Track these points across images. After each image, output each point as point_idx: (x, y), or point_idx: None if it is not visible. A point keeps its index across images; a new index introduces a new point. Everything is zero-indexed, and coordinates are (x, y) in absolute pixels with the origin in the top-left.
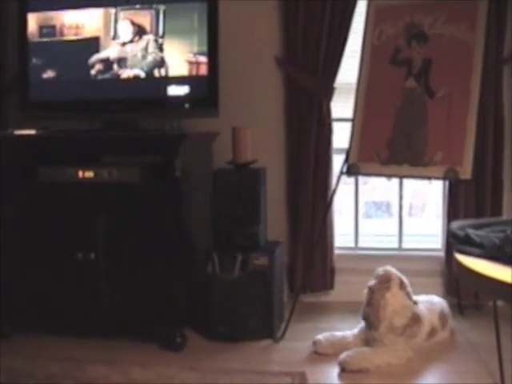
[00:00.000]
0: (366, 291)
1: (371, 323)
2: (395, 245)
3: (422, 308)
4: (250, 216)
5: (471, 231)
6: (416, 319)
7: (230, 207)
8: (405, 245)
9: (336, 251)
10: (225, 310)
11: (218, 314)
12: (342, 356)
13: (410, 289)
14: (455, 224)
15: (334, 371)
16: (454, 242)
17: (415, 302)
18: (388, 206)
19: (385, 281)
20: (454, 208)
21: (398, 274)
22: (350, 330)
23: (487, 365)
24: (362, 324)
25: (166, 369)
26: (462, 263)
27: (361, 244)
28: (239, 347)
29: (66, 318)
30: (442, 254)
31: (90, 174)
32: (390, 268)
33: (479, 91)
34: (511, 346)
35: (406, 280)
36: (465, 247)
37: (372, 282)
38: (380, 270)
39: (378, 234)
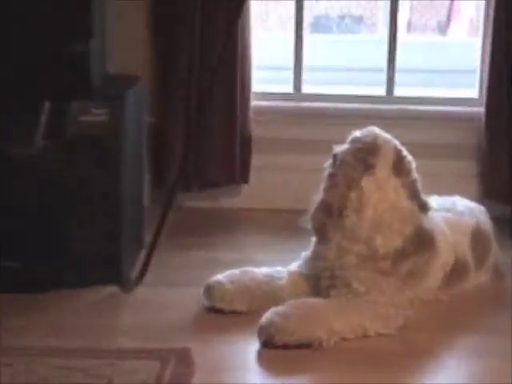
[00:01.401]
0: (327, 163)
1: (325, 236)
2: (381, 91)
3: (438, 221)
4: (71, 20)
5: None
6: (425, 242)
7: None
8: (399, 92)
9: (254, 103)
10: (16, 226)
11: (3, 237)
12: (267, 316)
13: (416, 176)
14: None
15: (248, 347)
16: None
17: (425, 206)
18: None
19: (366, 152)
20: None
21: (395, 141)
22: (282, 264)
23: None
24: (311, 249)
25: None
26: None
27: (307, 89)
28: (53, 303)
29: None
30: (480, 109)
31: None
32: (379, 130)
33: None
34: None
35: (409, 156)
36: None
37: (340, 148)
38: (359, 131)
39: (342, 68)
